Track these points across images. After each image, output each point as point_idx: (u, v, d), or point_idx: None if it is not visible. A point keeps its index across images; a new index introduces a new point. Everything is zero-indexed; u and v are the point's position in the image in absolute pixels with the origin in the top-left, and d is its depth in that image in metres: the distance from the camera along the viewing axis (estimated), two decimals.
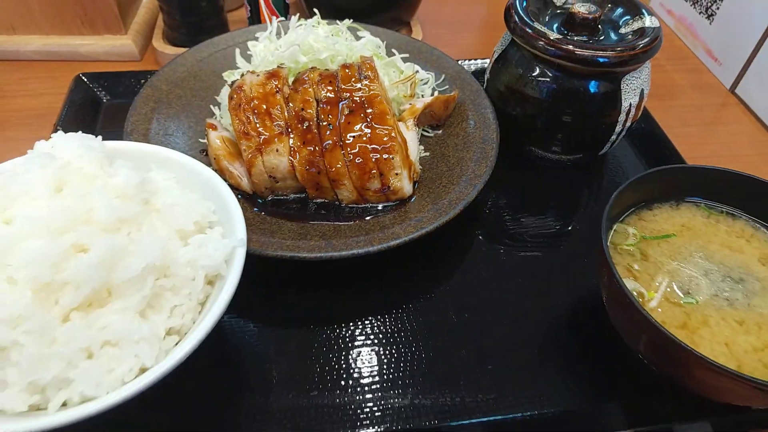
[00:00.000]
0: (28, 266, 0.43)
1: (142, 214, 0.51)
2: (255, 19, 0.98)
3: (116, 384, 0.45)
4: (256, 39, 0.85)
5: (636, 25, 0.77)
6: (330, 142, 0.70)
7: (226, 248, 0.53)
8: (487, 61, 0.94)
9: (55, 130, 0.83)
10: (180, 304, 0.50)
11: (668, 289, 0.60)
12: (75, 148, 0.52)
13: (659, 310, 0.59)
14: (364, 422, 0.58)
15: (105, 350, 0.45)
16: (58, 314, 0.44)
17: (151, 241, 0.49)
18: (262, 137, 0.69)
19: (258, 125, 0.69)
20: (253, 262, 0.55)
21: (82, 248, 0.46)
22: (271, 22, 0.87)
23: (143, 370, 0.46)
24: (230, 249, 0.53)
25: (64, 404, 0.45)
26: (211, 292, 0.53)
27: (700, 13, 1.13)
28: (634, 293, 0.59)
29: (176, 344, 0.49)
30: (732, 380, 0.50)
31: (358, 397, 0.59)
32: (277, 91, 0.71)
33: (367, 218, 0.72)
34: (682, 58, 1.16)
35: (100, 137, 0.57)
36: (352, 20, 0.88)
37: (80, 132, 0.57)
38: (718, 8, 1.08)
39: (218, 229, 0.56)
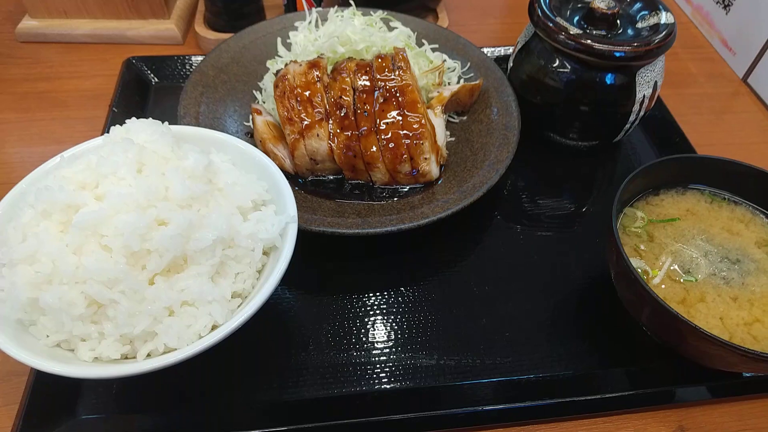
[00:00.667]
0: (121, 237, 0.51)
1: (208, 193, 0.58)
2: (291, 6, 1.03)
3: (194, 337, 0.53)
4: (295, 28, 0.91)
5: (652, 20, 0.82)
6: (365, 128, 0.77)
7: (281, 224, 0.60)
8: (510, 48, 0.99)
9: (111, 110, 0.90)
10: (242, 271, 0.58)
11: (671, 268, 0.67)
12: (149, 133, 0.60)
13: (662, 286, 0.66)
14: (397, 378, 0.66)
15: (184, 309, 0.53)
16: (145, 278, 0.52)
17: (218, 216, 0.56)
18: (305, 123, 0.76)
19: (301, 112, 0.76)
20: (297, 237, 0.62)
21: (162, 222, 0.54)
22: (306, 9, 0.94)
23: (215, 327, 0.54)
24: (284, 224, 0.60)
25: (149, 354, 0.53)
26: (266, 262, 0.61)
27: (717, 2, 1.17)
28: (639, 271, 0.66)
29: (239, 306, 0.57)
30: (722, 348, 0.57)
31: (390, 357, 0.67)
32: (317, 81, 0.77)
33: (397, 198, 0.79)
34: (697, 46, 1.20)
35: (167, 123, 0.64)
36: (384, 11, 0.93)
37: (145, 115, 0.64)
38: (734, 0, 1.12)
39: (272, 207, 0.63)
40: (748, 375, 0.69)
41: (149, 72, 0.98)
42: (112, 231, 0.51)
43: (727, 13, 1.15)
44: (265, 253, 0.61)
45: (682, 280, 0.66)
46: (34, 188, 0.57)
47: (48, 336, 0.53)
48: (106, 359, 0.53)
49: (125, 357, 0.54)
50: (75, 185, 0.55)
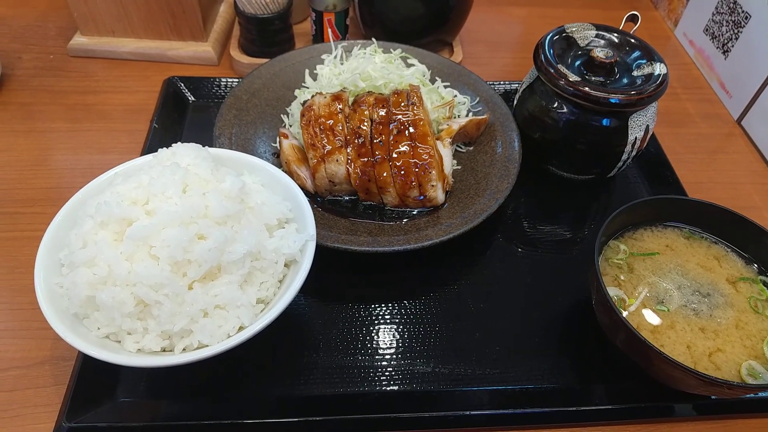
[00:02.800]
0: (167, 248, 0.60)
1: (241, 212, 0.67)
2: (319, 37, 1.13)
3: (224, 336, 0.62)
4: (322, 60, 1.00)
5: (647, 70, 0.90)
6: (380, 156, 0.85)
7: (301, 241, 0.69)
8: (517, 83, 1.07)
9: (152, 125, 1.00)
10: (266, 281, 0.67)
11: (646, 297, 0.75)
12: (192, 158, 0.69)
13: (637, 313, 0.73)
14: (396, 381, 0.74)
15: (216, 311, 0.62)
16: (185, 284, 0.61)
17: (249, 233, 0.65)
18: (326, 149, 0.85)
19: (323, 139, 0.85)
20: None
21: (202, 236, 0.62)
22: (332, 41, 1.03)
23: (242, 328, 0.63)
24: (304, 241, 0.69)
25: (185, 349, 0.62)
26: (287, 273, 0.70)
27: (717, 47, 1.24)
28: (617, 298, 0.74)
29: (262, 311, 0.66)
30: (682, 372, 0.64)
31: (391, 362, 0.76)
32: (339, 112, 0.86)
33: (405, 220, 0.87)
34: (697, 87, 1.27)
35: (207, 147, 0.74)
36: (402, 46, 1.02)
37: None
38: (733, 46, 1.19)
39: (294, 225, 0.72)
40: (714, 398, 0.76)
41: (187, 91, 1.08)
42: (160, 243, 0.60)
43: (726, 58, 1.22)
44: (286, 266, 0.70)
45: (655, 309, 0.74)
46: (93, 201, 0.66)
47: (99, 329, 0.62)
48: (148, 351, 0.62)
49: (164, 350, 0.63)
50: (129, 201, 0.64)
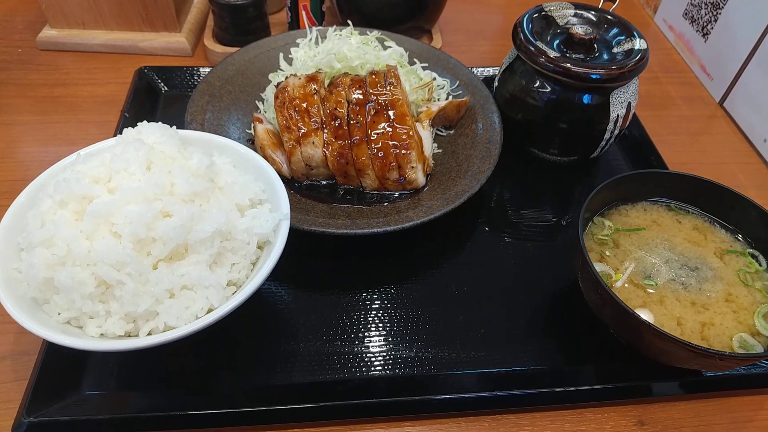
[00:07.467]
0: (129, 225, 0.57)
1: (209, 190, 0.64)
2: (295, 24, 1.10)
3: (191, 318, 0.58)
4: (297, 45, 0.98)
5: (627, 46, 0.89)
6: (357, 137, 0.83)
7: (274, 220, 0.66)
8: (497, 69, 1.06)
9: (122, 115, 0.97)
10: (237, 262, 0.64)
11: (633, 272, 0.72)
12: (158, 135, 0.66)
13: (624, 288, 0.71)
14: (378, 367, 0.71)
15: (183, 292, 0.59)
16: (150, 263, 0.58)
17: (218, 211, 0.62)
18: (301, 131, 0.82)
19: (298, 121, 0.82)
20: (290, 235, 0.67)
21: (167, 214, 0.59)
22: (308, 27, 1.01)
23: (210, 310, 0.59)
24: (277, 221, 0.66)
25: (150, 333, 0.59)
26: (260, 255, 0.67)
27: (696, 30, 1.24)
28: (602, 274, 0.71)
29: (234, 293, 0.63)
30: (673, 344, 0.62)
31: (373, 348, 0.73)
32: (314, 93, 0.84)
33: (386, 203, 0.85)
34: (678, 71, 1.26)
35: (174, 126, 0.71)
36: (380, 30, 1.00)
37: (154, 120, 0.71)
38: (712, 28, 1.19)
39: (267, 205, 0.69)
40: (709, 374, 0.73)
41: (159, 81, 1.05)
42: (122, 219, 0.57)
43: (705, 41, 1.21)
44: (259, 247, 0.67)
45: (643, 284, 0.71)
46: (52, 180, 0.63)
47: (60, 313, 0.59)
48: (111, 335, 0.58)
49: (129, 335, 0.59)
50: (90, 179, 0.61)
